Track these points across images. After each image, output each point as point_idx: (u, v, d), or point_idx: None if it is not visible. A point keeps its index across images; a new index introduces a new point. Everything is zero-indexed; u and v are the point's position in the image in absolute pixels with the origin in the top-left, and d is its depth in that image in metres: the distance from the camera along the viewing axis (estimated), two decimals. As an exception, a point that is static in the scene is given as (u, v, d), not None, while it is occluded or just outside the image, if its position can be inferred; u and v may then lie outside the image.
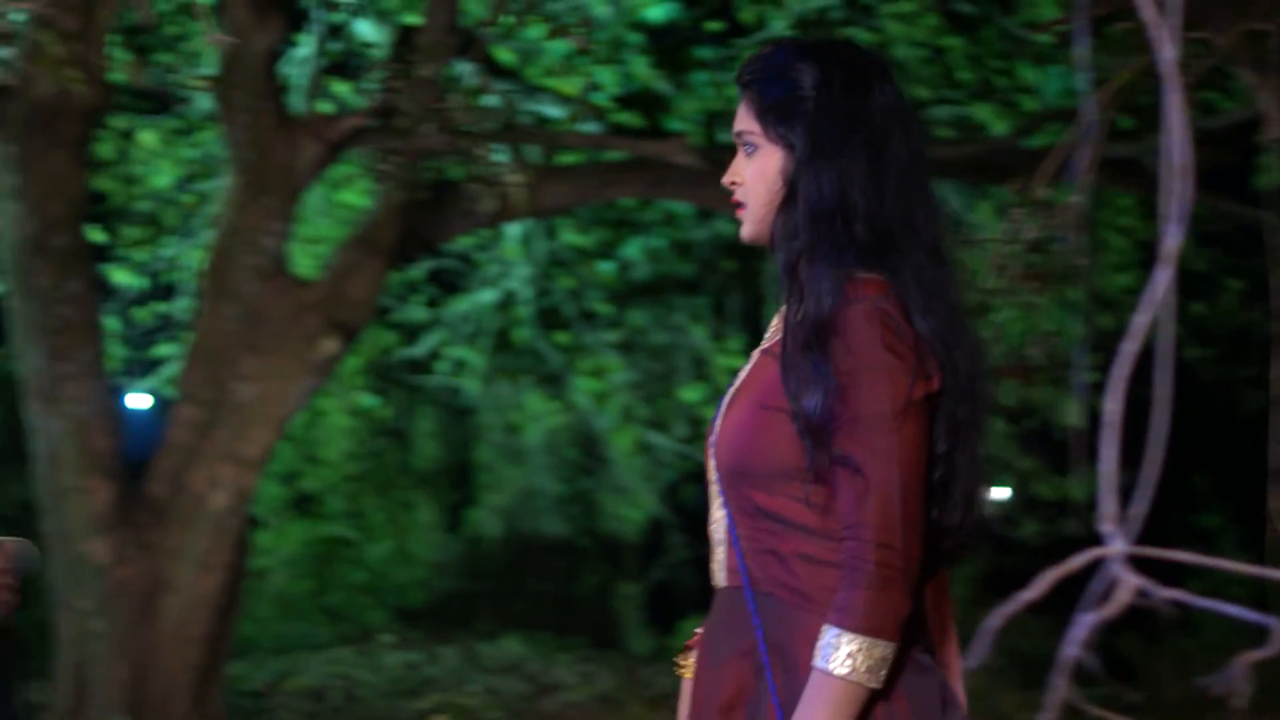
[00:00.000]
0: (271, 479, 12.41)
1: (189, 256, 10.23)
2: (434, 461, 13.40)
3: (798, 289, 2.40)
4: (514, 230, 11.22)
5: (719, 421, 2.48)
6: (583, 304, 12.03)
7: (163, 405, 10.01)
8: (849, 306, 2.33)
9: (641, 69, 9.93)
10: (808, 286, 2.38)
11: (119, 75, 7.38)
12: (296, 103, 7.80)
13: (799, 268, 2.41)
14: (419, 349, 12.31)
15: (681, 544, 12.74)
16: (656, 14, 9.89)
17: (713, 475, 2.49)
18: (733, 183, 2.52)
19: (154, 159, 9.82)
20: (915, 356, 2.32)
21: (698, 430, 11.93)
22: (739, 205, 2.52)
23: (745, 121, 2.49)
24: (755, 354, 2.54)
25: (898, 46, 9.53)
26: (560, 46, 8.32)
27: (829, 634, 2.27)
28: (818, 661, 2.27)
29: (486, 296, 11.89)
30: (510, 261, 11.70)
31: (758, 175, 2.48)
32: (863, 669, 2.25)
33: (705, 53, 10.24)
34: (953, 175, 8.34)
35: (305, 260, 11.09)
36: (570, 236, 11.56)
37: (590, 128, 8.71)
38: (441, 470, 13.46)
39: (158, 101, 9.75)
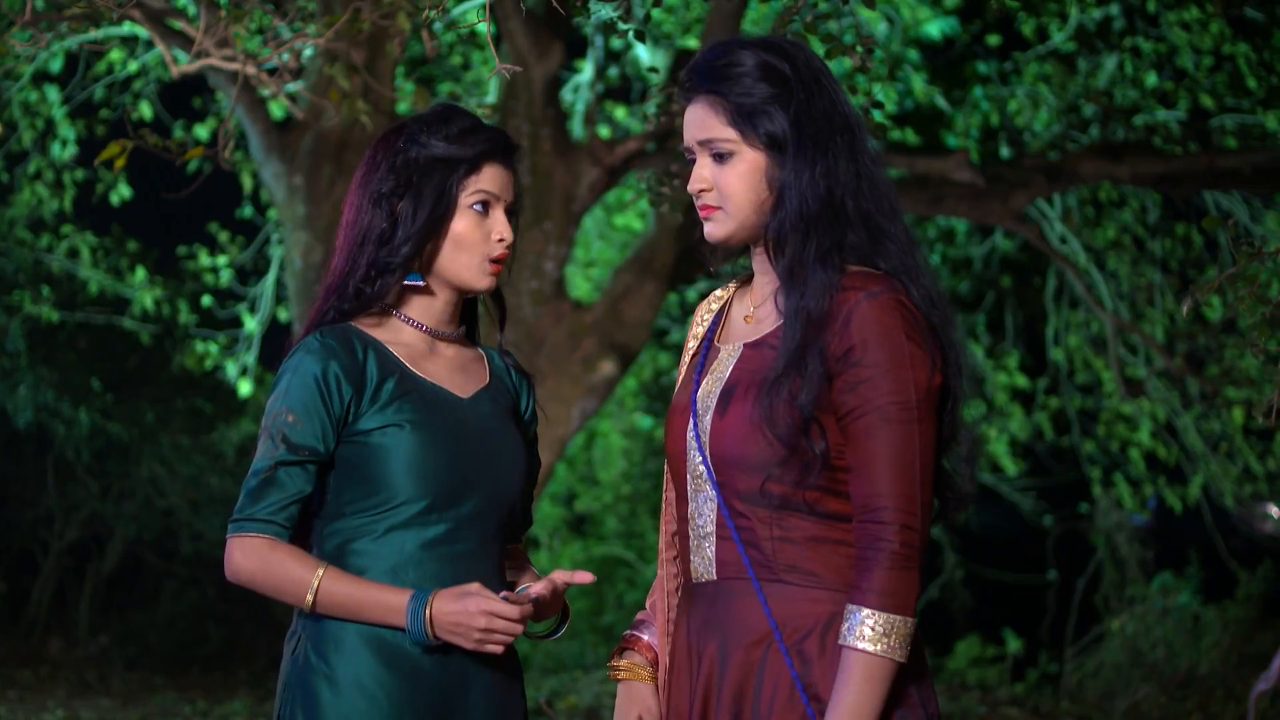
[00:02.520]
0: (549, 499, 12.58)
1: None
2: (708, 482, 13.39)
3: (799, 286, 2.43)
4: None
5: (710, 417, 2.49)
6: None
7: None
8: (866, 300, 2.39)
9: (920, 85, 9.78)
10: (809, 283, 2.42)
11: (405, 106, 7.57)
12: (575, 128, 7.88)
13: (798, 265, 2.44)
14: (694, 370, 12.32)
15: (956, 563, 12.49)
16: (934, 30, 9.73)
17: (698, 470, 2.50)
18: (700, 190, 2.52)
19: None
20: (933, 346, 2.41)
21: (975, 447, 11.64)
22: (707, 208, 2.53)
23: (712, 128, 2.50)
24: (734, 347, 2.55)
25: (1183, 55, 9.19)
26: (839, 65, 8.23)
27: (860, 613, 2.35)
28: (851, 641, 2.35)
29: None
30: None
31: (737, 179, 2.49)
32: (896, 645, 2.35)
33: (983, 67, 10.04)
34: (1239, 185, 8.00)
35: (582, 283, 11.23)
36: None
37: (869, 146, 8.59)
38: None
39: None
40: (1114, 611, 10.63)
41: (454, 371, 2.86)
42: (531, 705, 10.16)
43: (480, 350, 2.96)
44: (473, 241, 2.79)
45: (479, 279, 2.81)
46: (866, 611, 2.34)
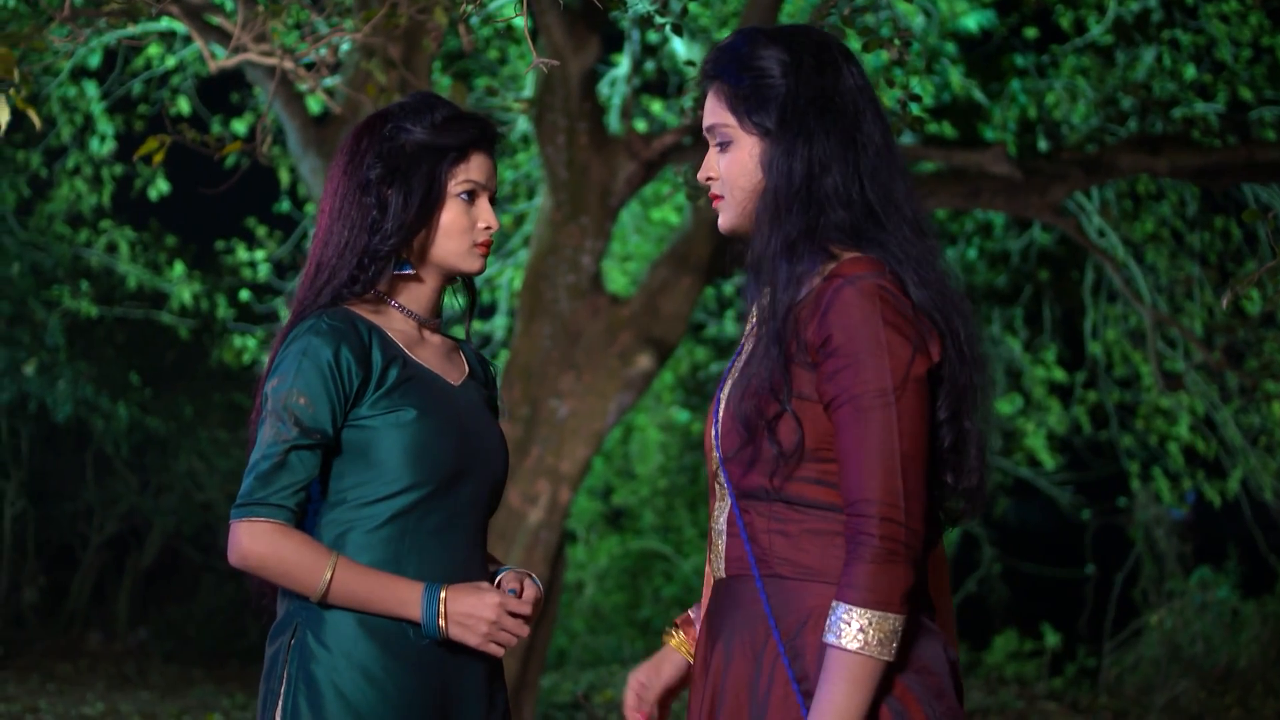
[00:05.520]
0: (586, 494, 12.59)
1: (506, 276, 10.46)
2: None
3: (764, 279, 2.42)
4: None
5: (720, 413, 2.48)
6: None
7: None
8: (845, 286, 2.34)
9: (957, 78, 9.74)
10: (779, 270, 2.40)
11: (441, 99, 7.57)
12: (612, 122, 7.87)
13: (772, 252, 2.42)
14: (731, 364, 12.33)
15: (993, 557, 12.45)
16: (971, 22, 9.69)
17: (715, 467, 2.50)
18: (708, 178, 2.54)
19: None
20: (916, 331, 2.35)
21: (1011, 442, 11.63)
22: (715, 198, 2.54)
23: (716, 115, 2.51)
24: (746, 345, 2.55)
25: (1221, 47, 9.12)
26: (876, 58, 8.21)
27: (838, 610, 2.30)
28: (829, 638, 2.31)
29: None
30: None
31: (735, 166, 2.49)
32: (874, 643, 2.28)
33: (1021, 60, 9.99)
34: (1279, 178, 7.94)
35: (619, 277, 11.23)
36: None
37: (906, 139, 8.58)
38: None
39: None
40: (1152, 606, 10.58)
41: (442, 360, 2.87)
42: (569, 699, 10.19)
43: (454, 340, 2.97)
44: (460, 229, 2.80)
45: (469, 262, 2.83)
46: (845, 607, 2.29)
